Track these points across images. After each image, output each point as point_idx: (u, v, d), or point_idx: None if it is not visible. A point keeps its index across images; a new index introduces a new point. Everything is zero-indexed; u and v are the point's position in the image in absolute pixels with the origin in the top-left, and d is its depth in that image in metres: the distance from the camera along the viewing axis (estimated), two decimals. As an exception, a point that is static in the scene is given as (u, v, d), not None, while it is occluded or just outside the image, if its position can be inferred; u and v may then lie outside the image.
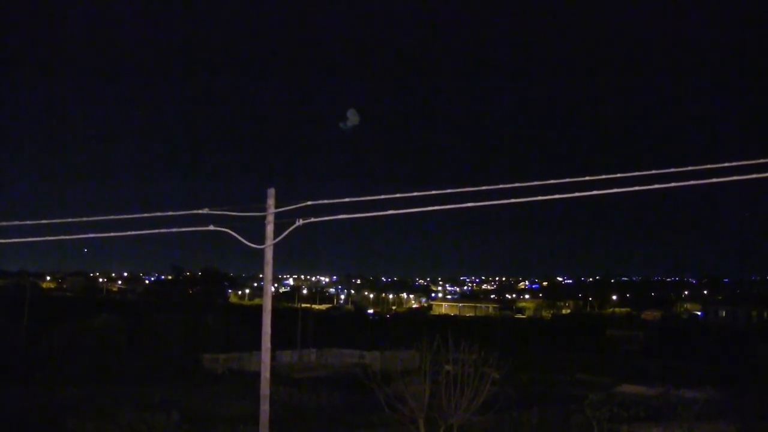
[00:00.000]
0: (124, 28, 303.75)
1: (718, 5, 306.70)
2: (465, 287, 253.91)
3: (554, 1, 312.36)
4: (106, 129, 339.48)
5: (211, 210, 11.32)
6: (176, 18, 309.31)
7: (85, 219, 12.31)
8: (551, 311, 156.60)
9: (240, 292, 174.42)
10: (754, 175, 9.19)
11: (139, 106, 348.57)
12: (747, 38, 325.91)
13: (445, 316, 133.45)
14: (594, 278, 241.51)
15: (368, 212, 11.40)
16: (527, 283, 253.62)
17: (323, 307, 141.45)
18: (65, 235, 12.46)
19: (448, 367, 21.63)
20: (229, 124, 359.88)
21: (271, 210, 11.52)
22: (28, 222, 12.24)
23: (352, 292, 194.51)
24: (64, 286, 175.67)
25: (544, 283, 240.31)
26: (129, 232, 12.34)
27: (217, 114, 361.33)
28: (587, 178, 10.13)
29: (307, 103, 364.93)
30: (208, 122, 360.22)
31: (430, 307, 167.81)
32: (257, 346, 12.54)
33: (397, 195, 11.01)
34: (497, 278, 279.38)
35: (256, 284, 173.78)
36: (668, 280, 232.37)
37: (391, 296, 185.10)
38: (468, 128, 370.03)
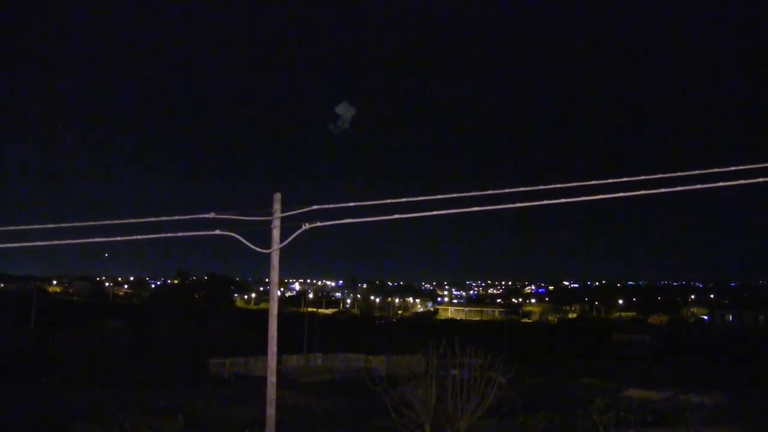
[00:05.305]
0: (129, 31, 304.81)
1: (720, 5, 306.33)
2: (471, 291, 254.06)
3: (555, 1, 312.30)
4: (111, 133, 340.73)
5: (217, 214, 11.31)
6: (182, 20, 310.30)
7: (91, 223, 12.31)
8: (557, 315, 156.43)
9: (246, 297, 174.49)
10: (761, 179, 9.15)
11: (145, 111, 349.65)
12: (749, 39, 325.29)
13: (452, 321, 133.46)
14: (600, 282, 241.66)
15: (374, 216, 11.38)
16: (533, 287, 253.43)
17: (329, 311, 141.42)
18: (71, 239, 12.47)
19: (454, 372, 21.59)
20: (236, 129, 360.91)
21: (278, 214, 11.51)
22: (33, 226, 12.24)
23: (358, 296, 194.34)
24: (71, 290, 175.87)
25: (551, 288, 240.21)
26: (135, 237, 12.33)
27: (223, 118, 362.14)
28: (594, 182, 10.10)
29: (313, 108, 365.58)
30: (215, 126, 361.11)
31: (436, 311, 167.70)
32: (263, 351, 12.53)
33: (404, 199, 10.99)
34: (503, 282, 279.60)
35: (262, 288, 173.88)
36: (675, 284, 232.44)
37: (397, 300, 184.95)
38: (475, 131, 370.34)
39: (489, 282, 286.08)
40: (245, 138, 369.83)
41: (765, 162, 9.02)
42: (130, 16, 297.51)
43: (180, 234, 11.93)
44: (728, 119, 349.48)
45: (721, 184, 9.54)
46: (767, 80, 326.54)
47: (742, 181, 9.37)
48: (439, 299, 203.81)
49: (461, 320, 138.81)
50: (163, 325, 63.84)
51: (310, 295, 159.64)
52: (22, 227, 12.31)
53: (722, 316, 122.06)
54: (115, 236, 12.50)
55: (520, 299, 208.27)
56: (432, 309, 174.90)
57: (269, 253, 11.59)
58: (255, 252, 11.43)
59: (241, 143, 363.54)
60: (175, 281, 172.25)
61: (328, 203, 11.15)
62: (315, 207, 11.17)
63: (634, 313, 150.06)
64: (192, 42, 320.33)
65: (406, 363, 29.44)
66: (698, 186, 9.65)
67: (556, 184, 10.22)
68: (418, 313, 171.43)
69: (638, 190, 10.02)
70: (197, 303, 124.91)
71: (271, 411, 11.83)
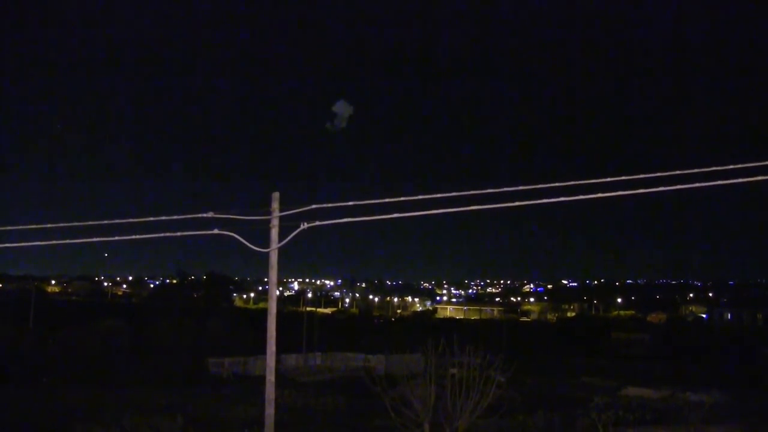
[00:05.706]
0: (129, 31, 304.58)
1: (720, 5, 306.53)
2: (470, 290, 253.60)
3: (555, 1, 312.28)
4: (110, 133, 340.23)
5: (216, 214, 11.31)
6: (181, 20, 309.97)
7: (90, 223, 12.31)
8: (556, 314, 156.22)
9: (245, 296, 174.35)
10: (759, 177, 9.15)
11: (144, 111, 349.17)
12: (748, 39, 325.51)
13: (450, 320, 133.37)
14: (599, 281, 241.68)
15: (373, 215, 11.38)
16: (532, 286, 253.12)
17: (328, 310, 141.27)
18: (70, 239, 12.46)
19: (453, 371, 21.57)
20: (234, 128, 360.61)
21: (276, 213, 11.51)
22: (32, 226, 12.24)
23: (357, 295, 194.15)
24: (69, 290, 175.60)
25: (549, 286, 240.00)
26: (134, 236, 12.33)
27: (222, 118, 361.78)
28: (592, 180, 10.10)
29: (311, 106, 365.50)
30: (213, 126, 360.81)
31: (435, 310, 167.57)
32: (262, 350, 12.52)
33: (402, 198, 10.99)
34: (502, 281, 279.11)
35: (260, 288, 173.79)
36: (673, 282, 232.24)
37: (395, 299, 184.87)
38: (474, 131, 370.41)
39: (488, 281, 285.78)
40: (244, 137, 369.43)
41: (765, 161, 9.02)
42: (130, 15, 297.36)
43: (179, 233, 11.93)
44: (728, 119, 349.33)
45: (720, 182, 9.54)
46: (767, 80, 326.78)
47: (741, 180, 9.38)
48: (437, 298, 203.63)
49: (460, 319, 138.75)
50: (162, 325, 63.66)
51: (309, 295, 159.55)
52: (20, 227, 12.31)
53: (721, 314, 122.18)
54: (114, 236, 12.51)
55: (519, 298, 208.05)
56: (431, 308, 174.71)
57: (268, 253, 11.59)
58: (254, 251, 11.44)
59: (239, 143, 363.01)
60: (174, 281, 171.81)
61: (327, 202, 11.16)
62: (313, 206, 11.17)
63: (633, 312, 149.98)
64: (191, 42, 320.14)
65: (405, 362, 29.48)
66: (697, 185, 9.65)
67: (555, 183, 10.23)
68: (416, 312, 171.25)
69: (637, 189, 10.03)
70: (196, 302, 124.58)
71: (270, 410, 11.82)
